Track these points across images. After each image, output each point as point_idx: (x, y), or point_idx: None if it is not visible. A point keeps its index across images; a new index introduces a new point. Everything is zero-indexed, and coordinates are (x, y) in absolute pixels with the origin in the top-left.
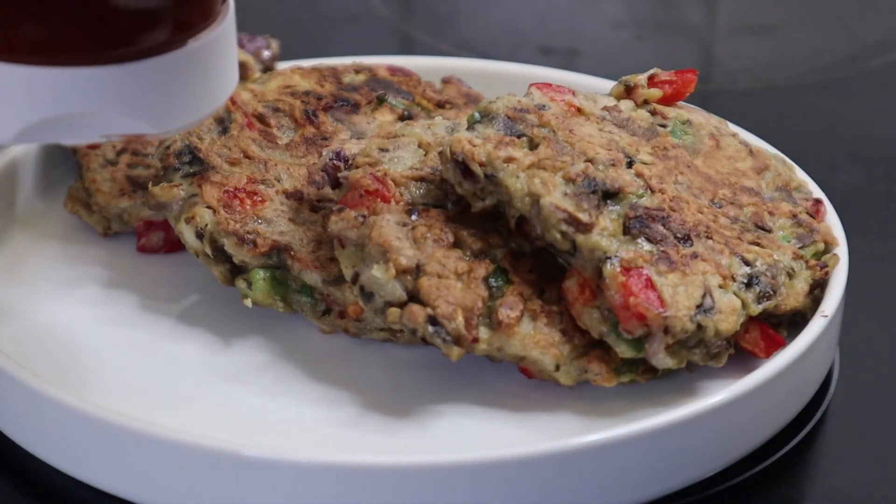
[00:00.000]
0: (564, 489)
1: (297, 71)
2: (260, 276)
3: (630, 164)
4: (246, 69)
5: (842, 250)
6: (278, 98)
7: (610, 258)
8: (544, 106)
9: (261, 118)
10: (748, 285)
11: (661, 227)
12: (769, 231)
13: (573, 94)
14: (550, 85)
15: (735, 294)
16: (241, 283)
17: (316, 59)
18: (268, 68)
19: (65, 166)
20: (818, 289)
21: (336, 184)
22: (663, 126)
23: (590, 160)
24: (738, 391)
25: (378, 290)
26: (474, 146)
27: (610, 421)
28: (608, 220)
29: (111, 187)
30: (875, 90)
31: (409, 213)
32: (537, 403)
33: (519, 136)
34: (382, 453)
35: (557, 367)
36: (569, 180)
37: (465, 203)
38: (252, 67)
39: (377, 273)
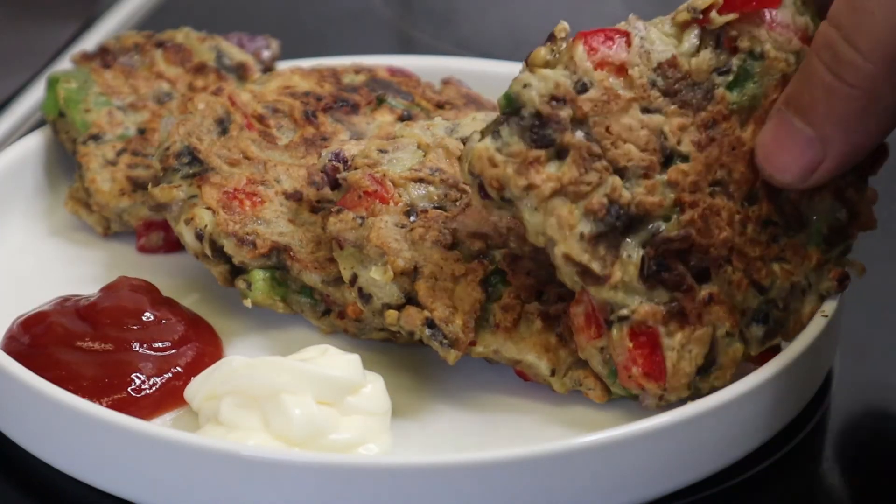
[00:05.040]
0: (564, 489)
1: (296, 71)
2: (260, 276)
3: (667, 162)
4: (246, 69)
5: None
6: (278, 99)
7: (620, 319)
8: (585, 85)
9: (260, 119)
10: (757, 321)
11: (680, 267)
12: (803, 226)
13: (627, 41)
14: (603, 33)
15: (742, 334)
16: (241, 284)
17: (316, 59)
18: (268, 68)
19: (65, 166)
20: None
21: (335, 185)
22: (726, 73)
23: (621, 171)
24: (738, 391)
25: (376, 291)
26: (495, 166)
27: (608, 421)
28: (625, 264)
29: (111, 187)
30: None
31: (408, 214)
32: (536, 403)
33: (547, 146)
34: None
35: (553, 373)
36: (590, 212)
37: (465, 204)
38: (252, 67)
39: (375, 275)
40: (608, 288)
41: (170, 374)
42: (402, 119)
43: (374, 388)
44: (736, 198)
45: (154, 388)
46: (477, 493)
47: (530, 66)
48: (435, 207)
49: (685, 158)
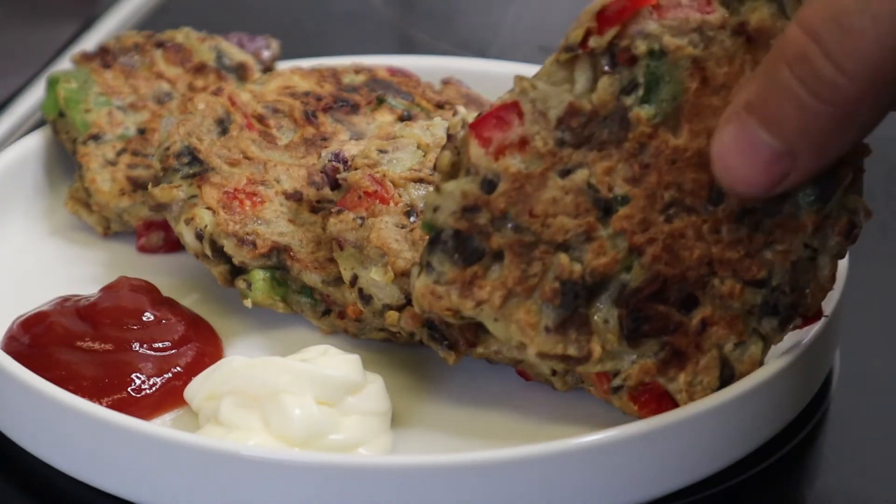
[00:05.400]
0: (564, 489)
1: (296, 71)
2: (260, 276)
3: (607, 213)
4: (246, 69)
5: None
6: (278, 99)
7: (616, 388)
8: (492, 182)
9: (260, 119)
10: (768, 313)
11: (660, 308)
12: (784, 198)
13: (519, 113)
14: (493, 117)
15: (756, 334)
16: (241, 284)
17: (316, 59)
18: (268, 68)
19: (65, 166)
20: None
21: (335, 185)
22: (633, 89)
23: (563, 246)
24: (739, 391)
25: (376, 292)
26: (440, 297)
27: (609, 421)
28: (602, 333)
29: (111, 187)
30: None
31: (408, 214)
32: (536, 403)
33: (479, 259)
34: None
35: (554, 372)
36: (547, 301)
37: None
38: (252, 68)
39: (376, 276)
40: (594, 363)
41: (170, 374)
42: (402, 119)
43: (374, 389)
44: (697, 208)
45: (154, 389)
46: (477, 493)
47: (438, 173)
48: None
49: (625, 200)
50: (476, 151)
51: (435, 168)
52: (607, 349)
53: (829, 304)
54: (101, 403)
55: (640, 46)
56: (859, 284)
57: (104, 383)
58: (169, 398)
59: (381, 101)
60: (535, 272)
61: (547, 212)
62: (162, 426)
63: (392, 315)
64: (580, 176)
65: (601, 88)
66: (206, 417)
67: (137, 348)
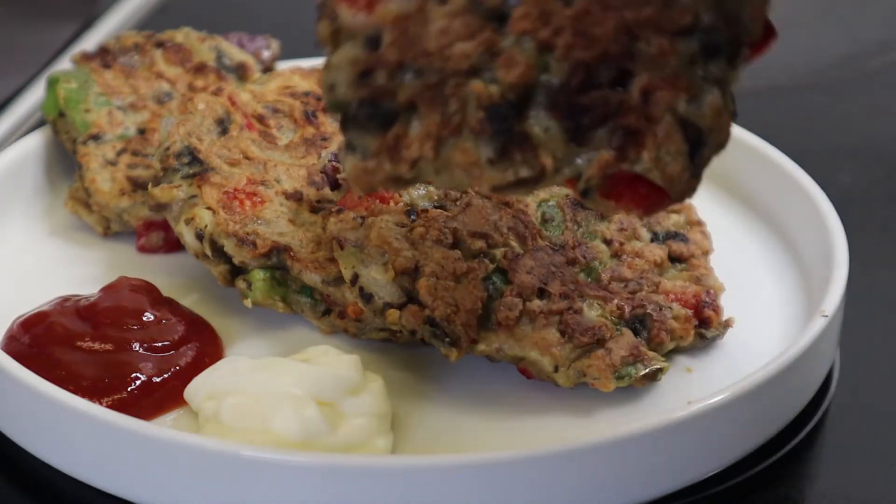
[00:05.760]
0: (564, 489)
1: (296, 71)
2: (260, 276)
3: (502, 21)
4: (246, 69)
5: (842, 250)
6: (278, 99)
7: (584, 192)
8: (376, 39)
9: (260, 119)
10: (711, 56)
11: (594, 94)
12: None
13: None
14: None
15: (708, 81)
16: (241, 284)
17: (316, 59)
18: (268, 68)
19: (65, 166)
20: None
21: (335, 185)
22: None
23: (471, 72)
24: (739, 391)
25: (377, 291)
26: (373, 173)
27: (609, 421)
28: (546, 142)
29: (111, 187)
30: (875, 90)
31: (408, 213)
32: (537, 403)
33: (394, 119)
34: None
35: (556, 369)
36: (478, 133)
37: (465, 203)
38: (252, 68)
39: (376, 274)
40: (550, 176)
41: (169, 374)
42: None
43: (374, 389)
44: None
45: (154, 389)
46: (477, 493)
47: (322, 45)
48: (435, 207)
49: (514, 1)
50: (347, 14)
51: (317, 41)
52: (558, 157)
53: (829, 304)
54: (101, 403)
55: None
56: (859, 284)
57: (104, 383)
58: (169, 398)
59: None
60: (455, 109)
61: (441, 44)
62: (162, 426)
63: (393, 313)
64: None
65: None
66: (206, 417)
67: (137, 348)
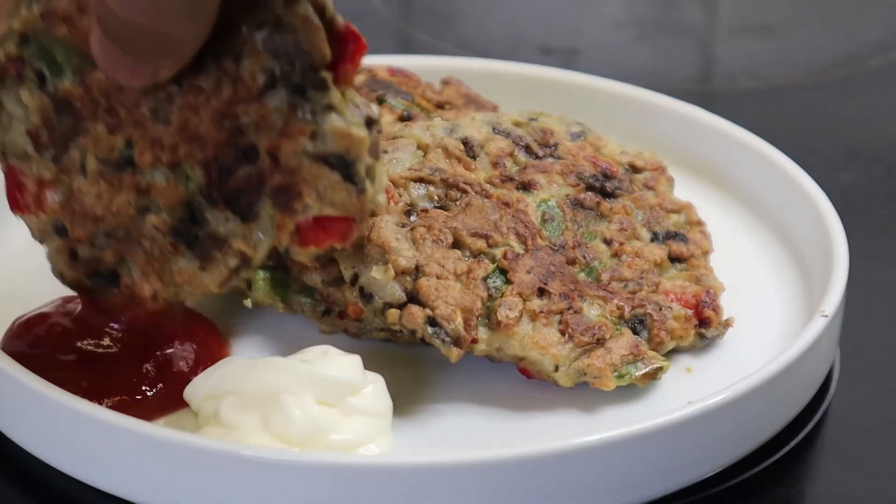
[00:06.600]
0: (564, 489)
1: None
2: (260, 276)
3: (125, 168)
4: None
5: (842, 250)
6: None
7: (283, 252)
8: (61, 227)
9: None
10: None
11: (237, 175)
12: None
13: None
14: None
15: (303, 121)
16: (241, 284)
17: None
18: None
19: None
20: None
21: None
22: (42, 78)
23: (143, 210)
24: (739, 391)
25: (377, 291)
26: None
27: (609, 421)
28: (221, 231)
29: None
30: (875, 90)
31: (408, 213)
32: (537, 403)
33: (113, 280)
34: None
35: (556, 368)
36: (167, 251)
37: (465, 203)
38: None
39: (376, 274)
40: (254, 255)
41: (170, 375)
42: (402, 119)
43: (374, 389)
44: (137, 120)
45: (154, 389)
46: (477, 493)
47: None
48: (435, 207)
49: (129, 151)
50: (29, 219)
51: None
52: (248, 238)
53: (829, 304)
54: (101, 404)
55: (10, 48)
56: (859, 284)
57: (104, 384)
58: (169, 398)
59: (380, 101)
60: (149, 245)
61: (104, 206)
62: (162, 426)
63: (393, 313)
64: (90, 164)
65: (28, 101)
66: (206, 417)
67: (138, 348)
